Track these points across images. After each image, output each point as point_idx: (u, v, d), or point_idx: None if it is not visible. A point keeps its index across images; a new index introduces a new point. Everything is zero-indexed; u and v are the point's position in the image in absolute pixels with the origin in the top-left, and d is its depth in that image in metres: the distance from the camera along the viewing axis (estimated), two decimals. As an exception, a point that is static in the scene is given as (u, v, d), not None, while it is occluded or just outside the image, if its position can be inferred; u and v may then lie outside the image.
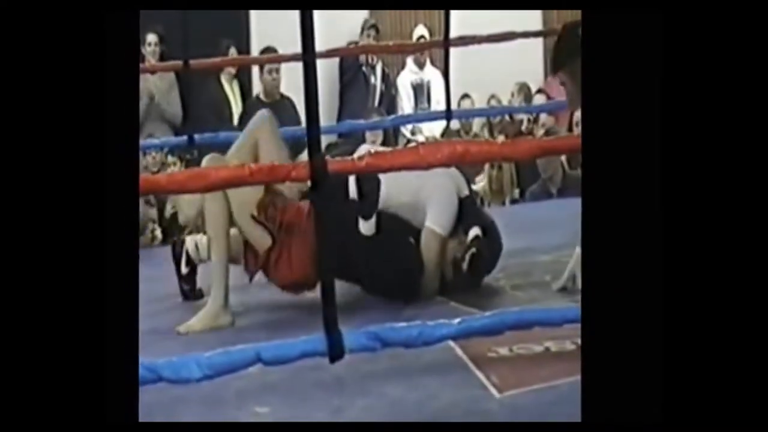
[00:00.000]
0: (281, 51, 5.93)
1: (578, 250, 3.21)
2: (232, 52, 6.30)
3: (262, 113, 3.45)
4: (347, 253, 3.14)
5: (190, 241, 3.49)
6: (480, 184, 6.37)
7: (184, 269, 3.48)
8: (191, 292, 3.49)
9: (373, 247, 3.24)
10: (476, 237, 3.26)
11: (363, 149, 3.40)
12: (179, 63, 4.79)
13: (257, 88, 7.26)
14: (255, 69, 7.13)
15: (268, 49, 6.10)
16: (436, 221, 3.29)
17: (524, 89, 7.48)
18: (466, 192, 3.42)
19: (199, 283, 3.50)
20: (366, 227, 3.23)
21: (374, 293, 3.28)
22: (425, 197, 3.31)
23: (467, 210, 3.36)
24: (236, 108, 6.58)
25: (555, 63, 3.06)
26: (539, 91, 7.44)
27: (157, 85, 6.13)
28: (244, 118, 6.36)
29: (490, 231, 3.33)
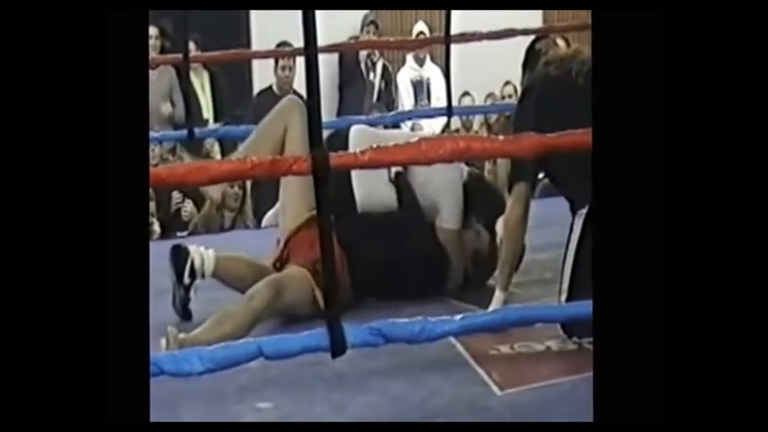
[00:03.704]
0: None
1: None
2: (191, 47, 6.23)
3: (293, 99, 3.37)
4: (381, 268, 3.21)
5: (195, 252, 3.20)
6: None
7: (186, 279, 3.15)
8: (184, 309, 3.17)
9: (399, 246, 3.27)
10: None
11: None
12: (178, 56, 4.78)
13: (257, 81, 7.26)
14: (255, 62, 7.13)
15: (283, 44, 6.05)
16: (447, 219, 3.36)
17: (511, 88, 7.44)
18: (466, 171, 3.45)
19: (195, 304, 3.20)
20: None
21: (402, 297, 3.21)
22: (432, 194, 3.36)
23: (472, 192, 3.41)
24: (204, 98, 6.51)
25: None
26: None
27: (156, 86, 6.03)
28: (256, 106, 6.34)
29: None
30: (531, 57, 3.18)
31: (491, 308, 2.88)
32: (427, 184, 3.36)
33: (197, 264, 3.14)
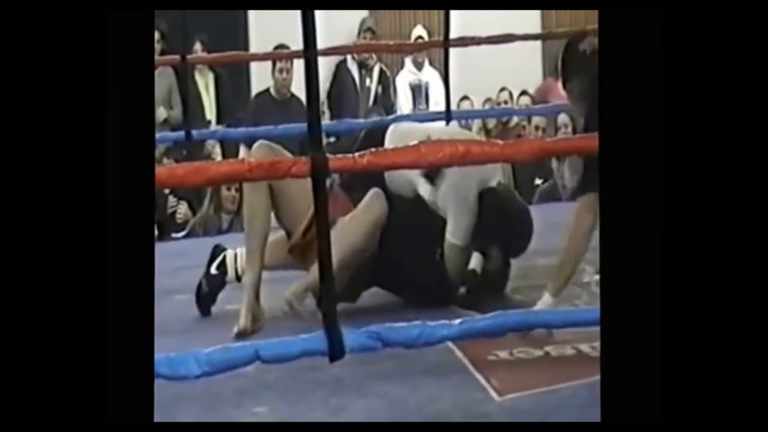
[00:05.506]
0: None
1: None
2: (197, 47, 6.22)
3: (258, 144, 3.20)
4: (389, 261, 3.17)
5: (230, 254, 3.34)
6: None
7: (213, 270, 3.31)
8: (207, 307, 3.32)
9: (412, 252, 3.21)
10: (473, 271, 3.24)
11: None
12: (176, 57, 4.78)
13: (255, 83, 7.25)
14: (253, 65, 7.12)
15: (281, 47, 6.05)
16: (454, 234, 3.25)
17: (507, 94, 7.43)
18: (491, 184, 3.32)
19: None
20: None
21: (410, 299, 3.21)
22: (443, 203, 3.27)
23: (488, 205, 3.28)
24: (208, 99, 6.50)
25: (562, 78, 3.05)
26: (523, 93, 7.35)
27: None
28: (254, 109, 6.35)
29: (514, 222, 3.28)
30: (575, 59, 2.95)
31: (537, 308, 2.82)
32: (442, 195, 3.26)
33: (229, 259, 3.30)
